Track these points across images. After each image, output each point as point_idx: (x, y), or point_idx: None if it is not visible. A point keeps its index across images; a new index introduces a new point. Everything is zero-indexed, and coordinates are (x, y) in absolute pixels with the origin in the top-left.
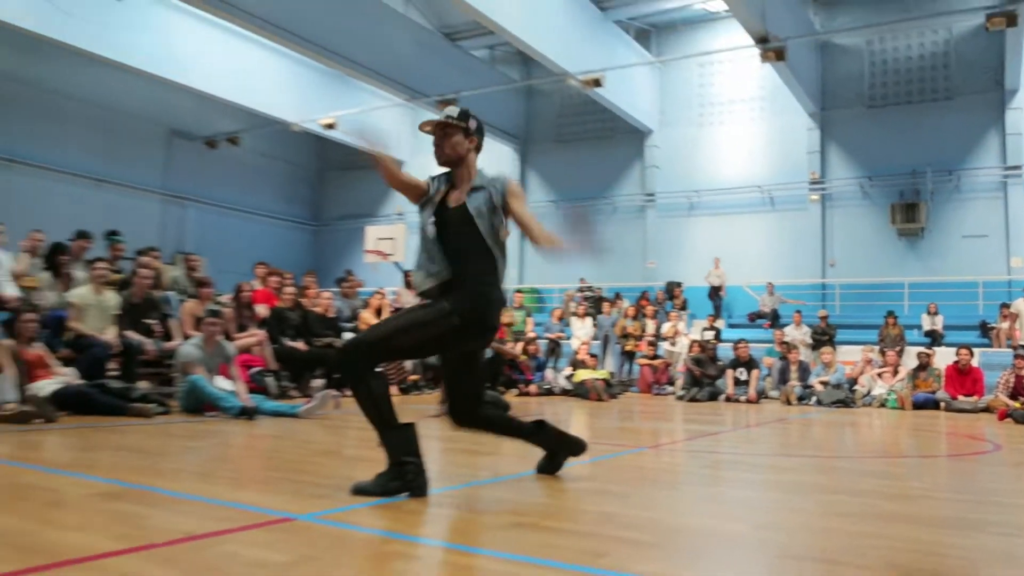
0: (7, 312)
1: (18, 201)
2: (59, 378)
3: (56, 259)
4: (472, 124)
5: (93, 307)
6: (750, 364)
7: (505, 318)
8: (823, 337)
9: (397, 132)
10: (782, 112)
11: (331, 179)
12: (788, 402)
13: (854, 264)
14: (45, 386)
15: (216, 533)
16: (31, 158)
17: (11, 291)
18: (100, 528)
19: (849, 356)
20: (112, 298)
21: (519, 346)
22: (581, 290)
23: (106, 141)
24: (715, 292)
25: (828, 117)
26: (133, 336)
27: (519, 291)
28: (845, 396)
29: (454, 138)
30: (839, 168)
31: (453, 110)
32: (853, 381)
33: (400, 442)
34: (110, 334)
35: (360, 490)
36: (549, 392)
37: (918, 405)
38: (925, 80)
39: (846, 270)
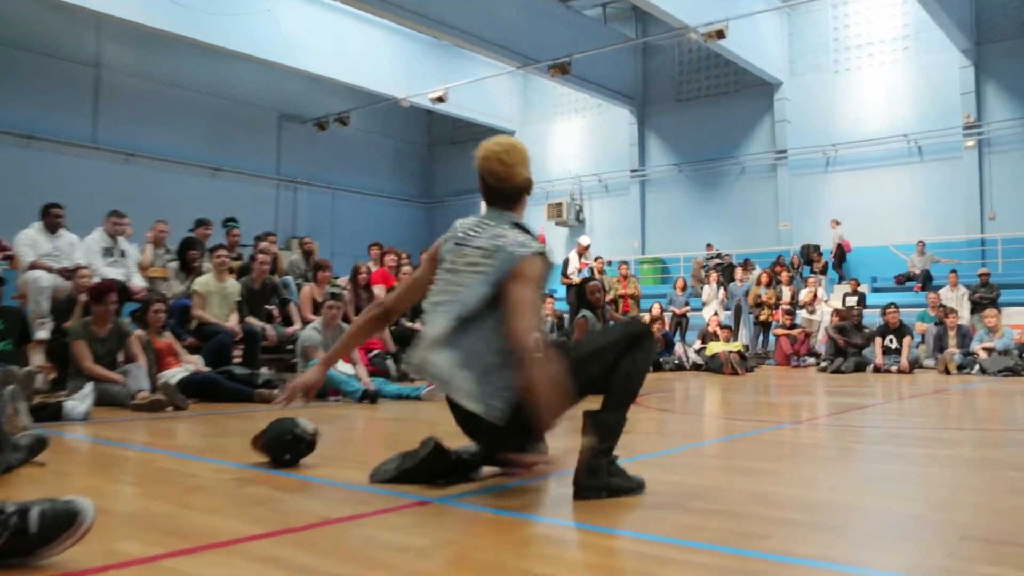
0: (136, 303)
1: (140, 193)
2: (187, 366)
3: (187, 254)
4: None
5: (216, 295)
6: (901, 331)
7: (630, 289)
8: (984, 299)
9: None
10: (929, 51)
11: (441, 154)
12: (947, 371)
13: (1019, 215)
14: (174, 374)
15: (352, 517)
16: (149, 150)
17: (139, 282)
18: (239, 512)
19: (1017, 319)
20: (233, 285)
21: (645, 318)
22: (710, 258)
23: (219, 129)
24: (838, 254)
25: (984, 52)
26: (254, 322)
27: (643, 262)
28: (1015, 363)
29: None
30: (999, 109)
31: None
32: (1023, 346)
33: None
34: (232, 321)
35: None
36: (680, 367)
37: None
38: None
39: (1009, 223)
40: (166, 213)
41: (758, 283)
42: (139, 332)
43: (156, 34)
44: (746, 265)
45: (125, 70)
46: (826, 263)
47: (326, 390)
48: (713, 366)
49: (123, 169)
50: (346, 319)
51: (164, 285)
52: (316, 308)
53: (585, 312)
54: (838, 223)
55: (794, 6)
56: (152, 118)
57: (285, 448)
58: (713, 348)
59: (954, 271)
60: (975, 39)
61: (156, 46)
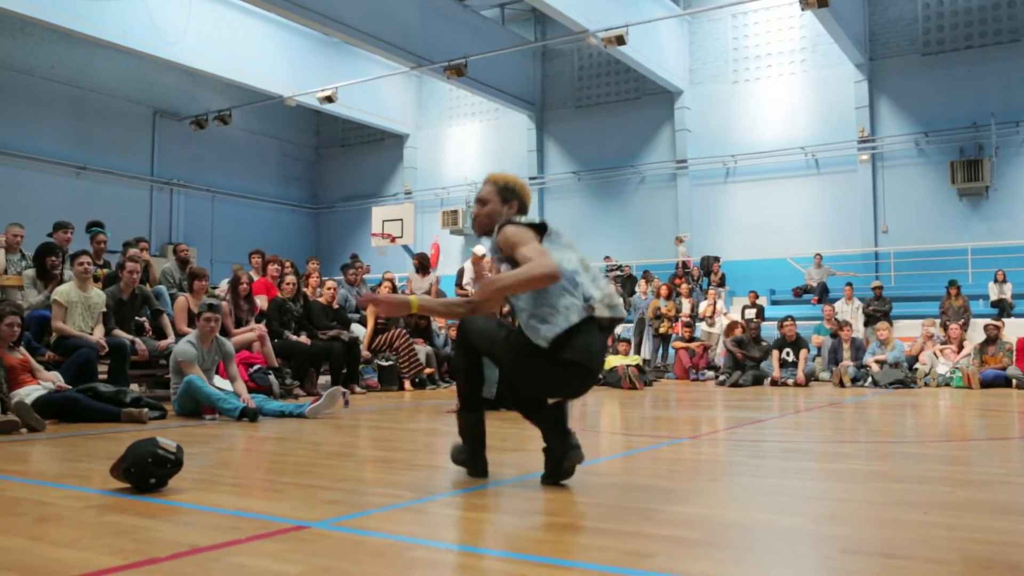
0: None
1: None
2: (45, 384)
3: (46, 260)
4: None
5: (78, 305)
6: (797, 344)
7: None
8: (878, 312)
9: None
10: (826, 64)
11: (330, 157)
12: (841, 384)
13: (910, 230)
14: (30, 392)
15: (223, 544)
16: (4, 146)
17: None
18: (97, 543)
19: (907, 332)
20: (98, 295)
21: None
22: (609, 269)
23: (86, 124)
24: (683, 270)
25: (877, 68)
26: (123, 335)
27: None
28: (904, 376)
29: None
30: (891, 124)
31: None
32: (913, 359)
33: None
34: (98, 334)
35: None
36: None
37: (987, 383)
38: (987, 21)
39: (901, 237)
40: (23, 216)
41: (657, 295)
42: None
43: (8, 16)
44: (647, 276)
45: None
46: (723, 275)
47: (200, 408)
48: (611, 380)
49: None
50: (224, 332)
51: (19, 295)
52: (192, 320)
53: None
54: (682, 240)
55: (694, 14)
56: (6, 109)
57: (148, 472)
58: (611, 362)
59: (849, 284)
60: (869, 54)
61: (9, 29)
